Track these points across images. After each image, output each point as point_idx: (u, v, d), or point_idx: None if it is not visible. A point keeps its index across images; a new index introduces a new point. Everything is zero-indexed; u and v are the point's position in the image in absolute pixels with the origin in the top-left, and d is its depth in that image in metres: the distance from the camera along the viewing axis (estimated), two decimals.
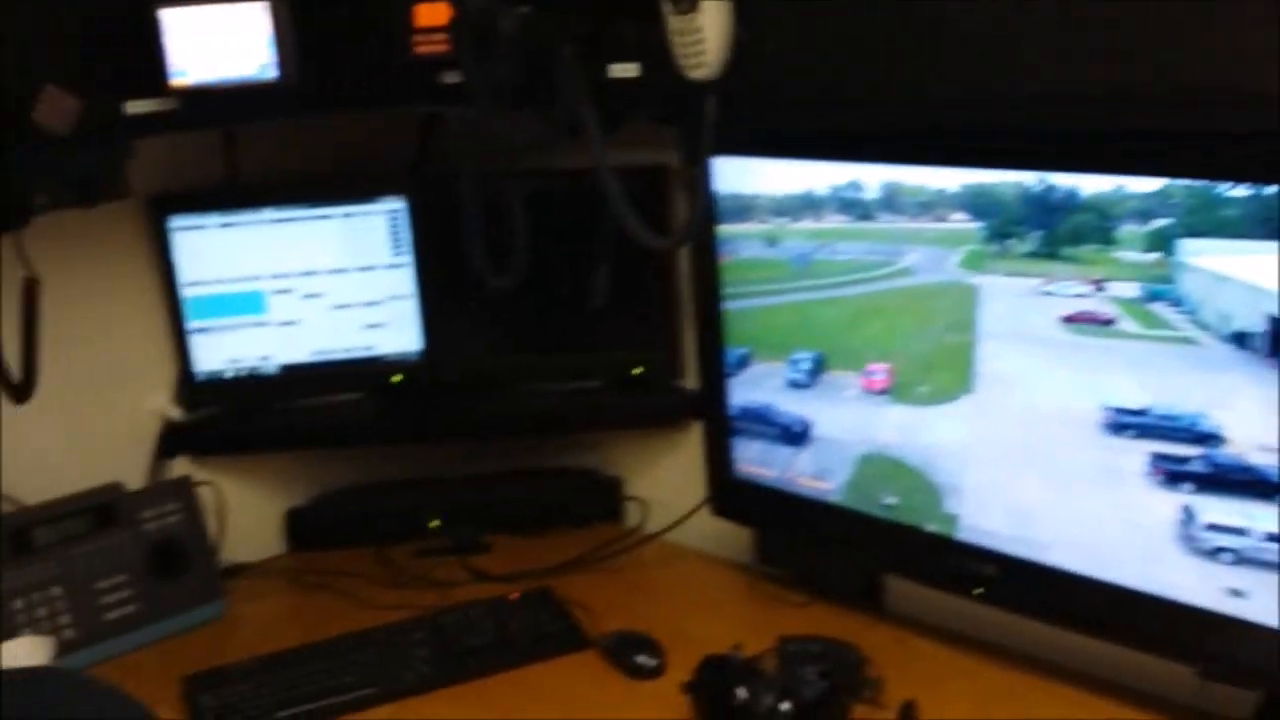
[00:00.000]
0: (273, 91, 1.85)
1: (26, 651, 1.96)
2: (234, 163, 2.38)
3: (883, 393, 1.84)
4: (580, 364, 2.40)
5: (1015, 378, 1.67)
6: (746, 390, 2.05)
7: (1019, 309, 1.63)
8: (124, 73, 1.82)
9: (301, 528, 2.52)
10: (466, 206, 1.89)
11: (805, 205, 1.86)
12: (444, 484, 2.52)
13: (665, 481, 2.47)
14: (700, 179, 1.66)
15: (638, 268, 2.23)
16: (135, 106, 1.84)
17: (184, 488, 2.29)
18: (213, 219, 2.31)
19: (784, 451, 2.02)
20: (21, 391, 1.82)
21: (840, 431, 1.93)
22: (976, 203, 1.64)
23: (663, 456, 2.47)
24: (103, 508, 2.19)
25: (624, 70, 1.69)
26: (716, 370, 2.07)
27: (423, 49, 1.92)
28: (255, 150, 2.38)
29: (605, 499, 2.51)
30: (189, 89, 1.82)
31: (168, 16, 1.76)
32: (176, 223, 2.30)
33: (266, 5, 1.78)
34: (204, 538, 2.30)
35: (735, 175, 1.94)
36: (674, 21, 1.53)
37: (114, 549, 2.18)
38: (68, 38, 1.77)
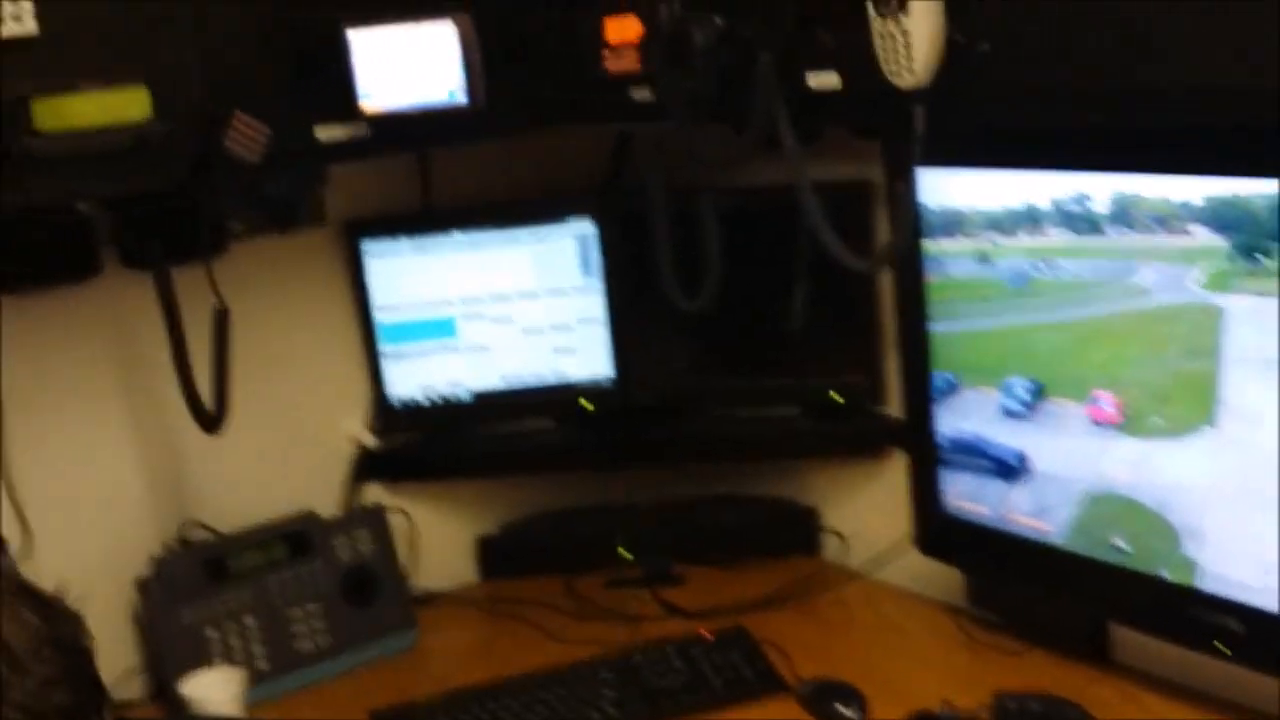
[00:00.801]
0: (462, 115, 1.80)
1: (218, 682, 1.96)
2: (428, 186, 2.36)
3: (1111, 424, 1.67)
4: (776, 388, 2.29)
5: (1264, 411, 1.49)
6: (955, 419, 1.91)
7: (1271, 334, 1.45)
8: (314, 97, 1.79)
9: (493, 555, 2.48)
10: (656, 225, 1.81)
11: (1023, 219, 1.72)
12: (635, 511, 2.44)
13: (865, 514, 2.34)
14: (906, 196, 1.53)
15: (837, 287, 2.10)
16: (326, 133, 1.82)
17: (377, 515, 2.28)
18: (404, 243, 2.29)
19: (997, 486, 1.87)
20: (213, 422, 1.82)
21: (1062, 466, 1.77)
22: (1223, 215, 1.46)
23: (863, 487, 2.34)
24: (297, 536, 2.18)
25: (823, 80, 1.58)
26: (922, 397, 1.93)
27: (613, 65, 1.85)
28: (448, 172, 2.36)
29: (801, 530, 2.40)
30: (379, 115, 1.78)
31: (355, 37, 1.72)
32: (370, 247, 2.29)
33: (453, 24, 1.73)
34: (396, 566, 2.27)
35: (944, 188, 1.80)
36: (879, 25, 1.42)
37: (307, 577, 2.17)
38: (258, 63, 1.75)
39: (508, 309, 2.31)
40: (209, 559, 2.10)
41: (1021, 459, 1.82)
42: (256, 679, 2.07)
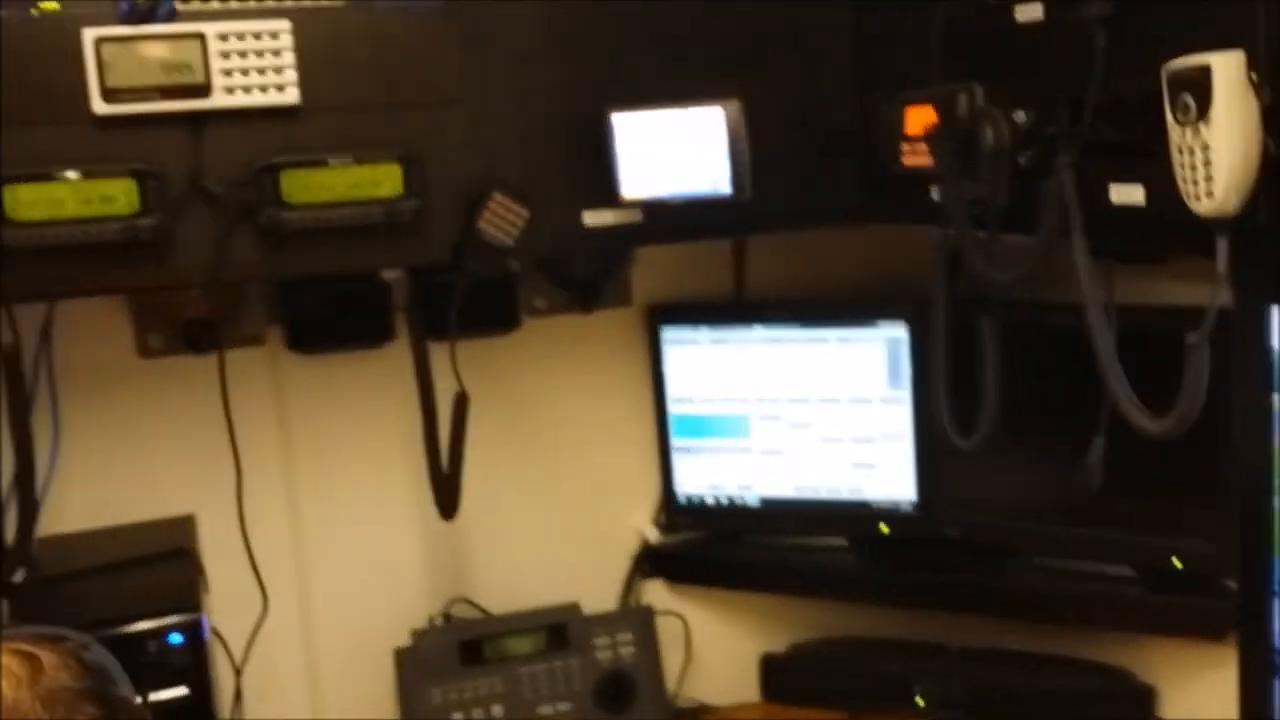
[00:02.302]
0: (728, 207, 1.65)
1: None
2: (742, 275, 2.23)
3: None
4: (1108, 543, 1.96)
5: None
6: None
7: None
8: (584, 181, 1.71)
9: (777, 676, 2.28)
10: (932, 347, 1.57)
11: None
12: (937, 654, 2.17)
13: (1209, 704, 1.94)
14: (1200, 350, 1.21)
15: (1189, 431, 1.76)
16: (594, 218, 1.72)
17: (643, 617, 2.16)
18: (704, 333, 2.16)
19: None
20: (448, 508, 1.75)
21: None
22: None
23: (1209, 671, 1.95)
24: (557, 628, 2.10)
25: (1127, 194, 1.30)
26: (1260, 586, 1.56)
27: (910, 160, 1.64)
28: (766, 263, 2.22)
29: (1131, 712, 2.03)
30: (642, 202, 1.66)
31: (619, 121, 1.62)
32: (669, 334, 2.17)
33: (722, 110, 1.59)
34: (658, 674, 2.14)
35: None
36: (1176, 135, 1.14)
37: (562, 674, 2.08)
38: (528, 145, 1.69)
39: (807, 414, 2.12)
40: (466, 640, 2.06)
41: None
42: None
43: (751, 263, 2.21)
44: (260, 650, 2.01)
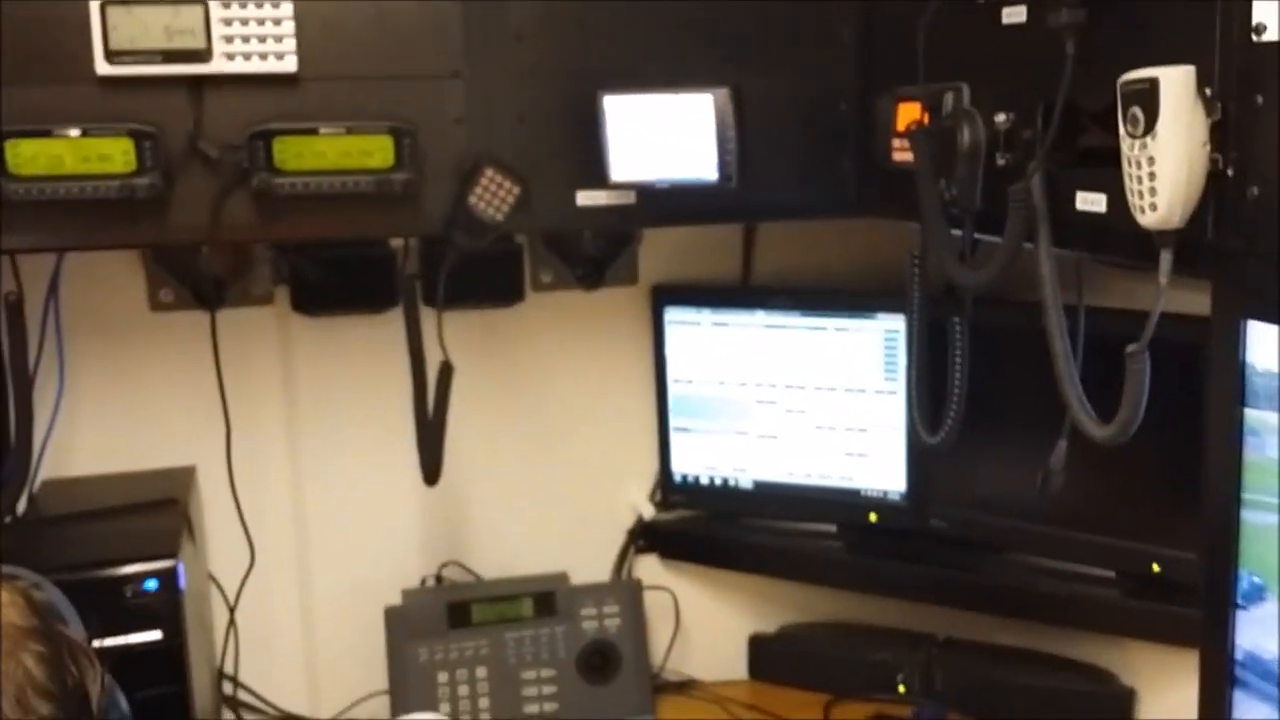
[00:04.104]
0: (720, 193, 1.67)
1: None
2: (750, 260, 2.24)
3: None
4: (1092, 546, 1.96)
5: None
6: (1258, 633, 1.52)
7: None
8: (579, 162, 1.73)
9: (764, 656, 2.31)
10: (911, 343, 1.58)
11: None
12: (921, 643, 2.18)
13: (1187, 711, 1.94)
14: (1139, 358, 1.21)
15: (1173, 440, 1.76)
16: (587, 198, 1.75)
17: (631, 590, 2.19)
18: (707, 315, 2.18)
19: None
20: (432, 473, 1.79)
21: None
22: None
23: (1186, 677, 1.94)
24: (545, 596, 2.14)
25: (1091, 201, 1.30)
26: (1222, 598, 1.56)
27: (900, 155, 1.65)
28: (776, 249, 2.23)
29: (1112, 714, 2.04)
30: (629, 184, 1.69)
31: (610, 104, 1.64)
32: (672, 315, 2.19)
33: (711, 98, 1.60)
34: (643, 646, 2.17)
35: (1272, 348, 1.44)
36: (1126, 147, 1.14)
37: (547, 641, 2.12)
38: (521, 123, 1.71)
39: (803, 400, 2.14)
40: (454, 602, 2.10)
41: None
42: None
43: (759, 249, 2.22)
44: (257, 600, 2.07)
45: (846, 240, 2.14)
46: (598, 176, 1.70)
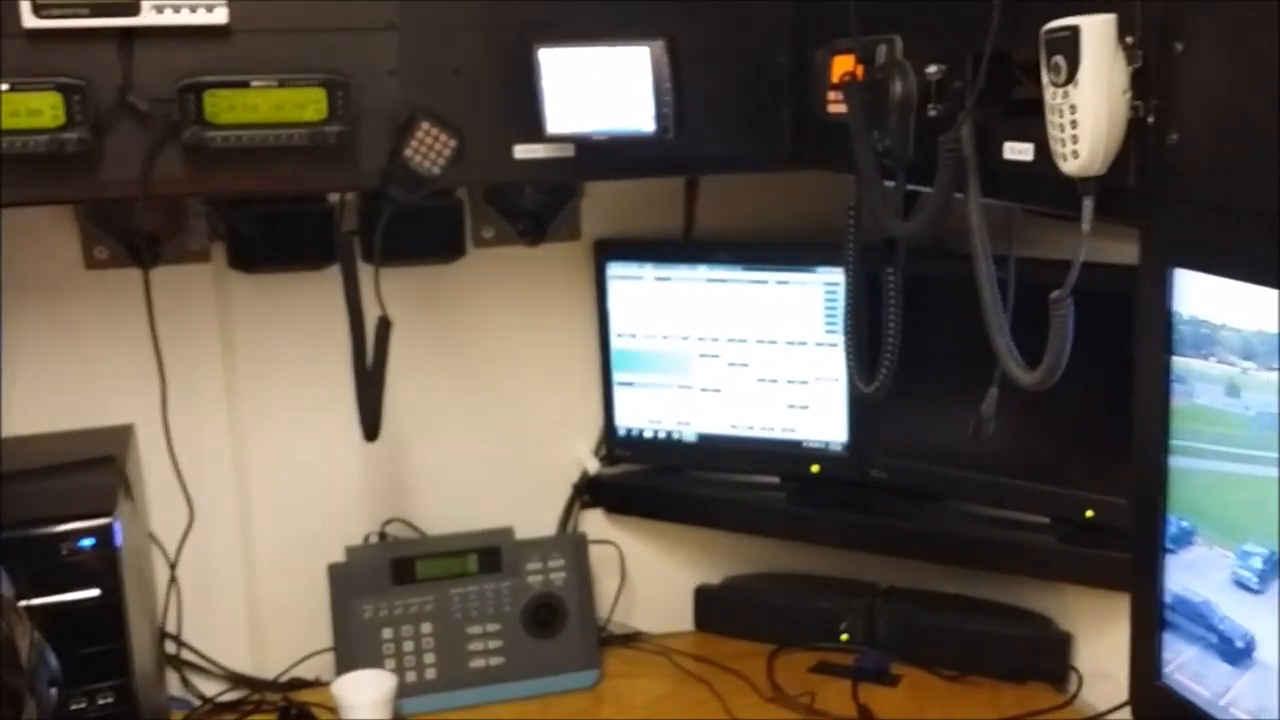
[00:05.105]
0: (659, 145, 1.67)
1: (369, 684, 1.95)
2: (692, 215, 2.25)
3: None
4: (1028, 493, 1.99)
5: None
6: (1186, 576, 1.56)
7: None
8: (516, 115, 1.72)
9: (709, 607, 2.33)
10: (848, 295, 1.59)
11: (1278, 350, 1.36)
12: (863, 592, 2.22)
13: (1121, 655, 1.98)
14: (1062, 307, 1.23)
15: (1100, 387, 1.79)
16: (524, 151, 1.74)
17: (576, 544, 2.20)
18: (649, 270, 2.18)
19: (1221, 669, 1.51)
20: (371, 429, 1.79)
21: None
22: None
23: (1123, 619, 1.98)
24: (489, 551, 2.14)
25: (1018, 151, 1.31)
26: (1152, 542, 1.59)
27: (834, 108, 1.65)
28: (718, 203, 2.24)
29: (1050, 658, 2.08)
30: (566, 137, 1.68)
31: (545, 56, 1.63)
32: (615, 270, 2.20)
33: (648, 50, 1.60)
34: (589, 599, 2.18)
35: (1199, 296, 1.46)
36: (1048, 95, 1.15)
37: (492, 596, 2.12)
38: (458, 76, 1.70)
39: (745, 353, 2.15)
40: (398, 559, 2.10)
41: (1248, 642, 1.46)
42: (423, 689, 2.06)
43: (701, 203, 2.23)
44: (199, 559, 2.06)
45: (789, 194, 2.14)
46: (535, 129, 1.69)
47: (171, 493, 2.00)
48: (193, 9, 1.55)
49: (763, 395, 2.15)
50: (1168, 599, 1.60)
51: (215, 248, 2.01)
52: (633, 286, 2.18)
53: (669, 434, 2.22)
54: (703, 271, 2.14)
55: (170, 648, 2.07)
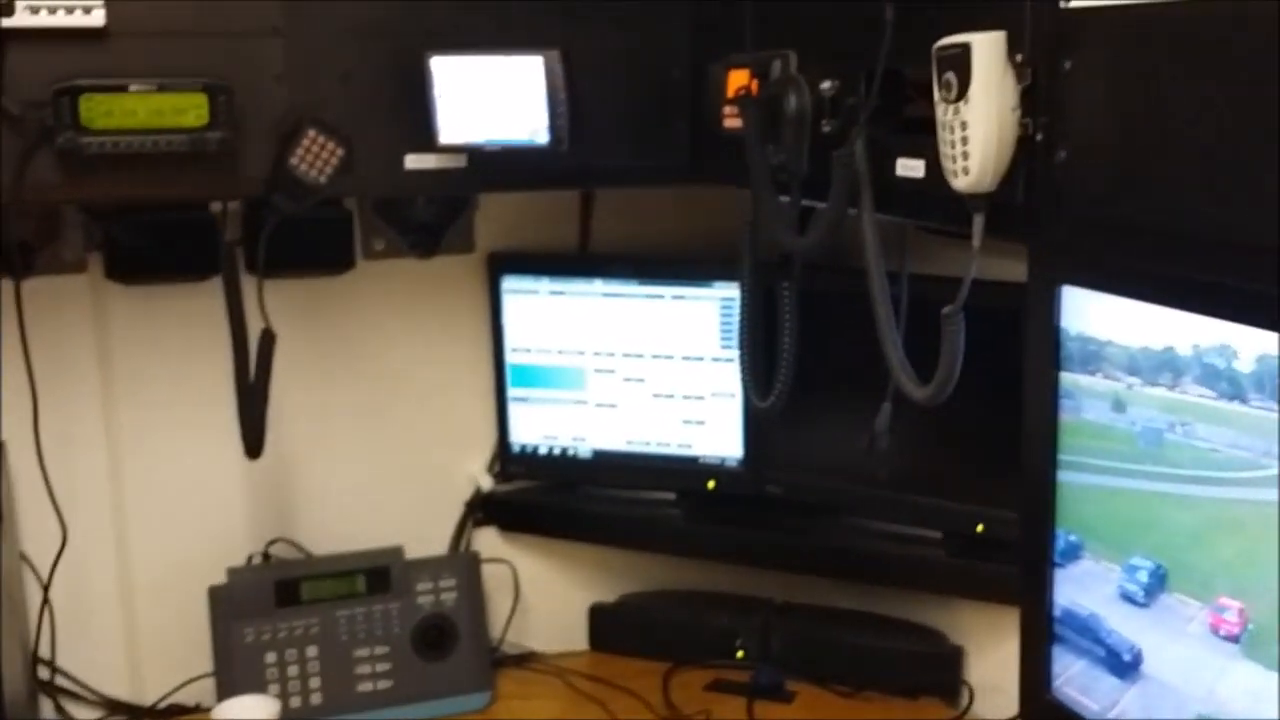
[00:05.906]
0: (553, 157, 1.65)
1: (252, 709, 1.88)
2: (587, 229, 2.23)
3: (1231, 639, 1.31)
4: (921, 508, 2.01)
5: None
6: (1074, 590, 1.57)
7: None
8: (408, 125, 1.69)
9: (604, 626, 2.30)
10: (743, 310, 1.58)
11: (1162, 366, 1.37)
12: (759, 608, 2.21)
13: (1012, 668, 1.99)
14: (955, 330, 1.24)
15: (991, 403, 1.80)
16: (415, 162, 1.71)
17: (468, 563, 2.16)
18: (544, 284, 2.15)
19: (1109, 682, 1.52)
20: (254, 447, 1.74)
21: (1176, 675, 1.41)
22: None
23: (1013, 632, 2.00)
24: (378, 571, 2.09)
25: (910, 168, 1.31)
26: (1040, 556, 1.61)
27: (730, 122, 1.64)
28: (615, 218, 2.22)
29: (942, 672, 2.09)
30: (458, 147, 1.65)
31: (437, 65, 1.60)
32: (509, 284, 2.17)
33: (542, 60, 1.57)
34: (481, 620, 2.14)
35: (1086, 312, 1.48)
36: (940, 112, 1.15)
37: (380, 618, 2.07)
38: (347, 84, 1.66)
39: (641, 369, 2.13)
40: (282, 580, 2.04)
41: (1135, 655, 1.47)
42: (308, 714, 2.00)
43: (597, 217, 2.21)
44: (74, 581, 1.99)
45: (685, 209, 2.14)
46: (426, 139, 1.66)
47: (44, 511, 1.92)
48: (69, 10, 1.50)
49: (659, 411, 2.13)
50: (1057, 613, 1.61)
51: (92, 258, 1.94)
52: (527, 301, 2.16)
53: (564, 450, 2.19)
54: (598, 286, 2.12)
55: (43, 673, 1.98)
